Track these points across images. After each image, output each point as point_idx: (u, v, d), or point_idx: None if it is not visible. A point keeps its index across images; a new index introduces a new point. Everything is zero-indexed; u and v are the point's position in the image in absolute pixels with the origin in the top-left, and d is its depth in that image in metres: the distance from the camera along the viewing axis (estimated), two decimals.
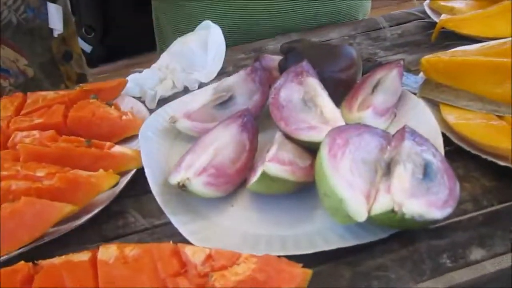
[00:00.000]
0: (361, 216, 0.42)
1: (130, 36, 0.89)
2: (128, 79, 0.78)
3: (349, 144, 0.48)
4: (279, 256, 0.41)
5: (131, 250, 0.43)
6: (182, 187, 0.50)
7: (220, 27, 0.83)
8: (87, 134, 0.64)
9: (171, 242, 0.43)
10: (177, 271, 0.40)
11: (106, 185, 0.53)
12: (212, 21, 0.85)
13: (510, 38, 0.68)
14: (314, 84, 0.59)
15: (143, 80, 0.79)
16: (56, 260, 0.43)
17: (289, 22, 1.00)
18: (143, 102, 0.76)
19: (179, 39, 0.80)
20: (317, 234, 0.47)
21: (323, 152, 0.46)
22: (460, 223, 0.48)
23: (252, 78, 0.64)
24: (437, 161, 0.48)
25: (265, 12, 0.98)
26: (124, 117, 0.64)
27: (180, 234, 0.48)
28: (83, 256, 0.43)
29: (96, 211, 0.53)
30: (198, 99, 0.64)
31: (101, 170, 0.54)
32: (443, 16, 0.86)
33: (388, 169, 0.47)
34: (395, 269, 0.44)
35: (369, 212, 0.43)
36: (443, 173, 0.47)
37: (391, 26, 0.97)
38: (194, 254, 0.42)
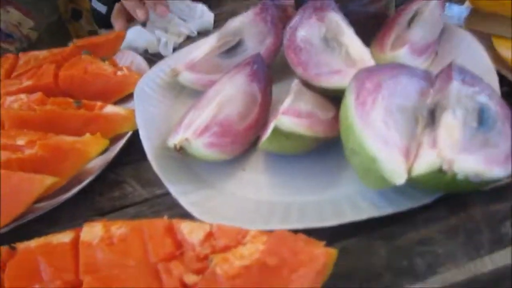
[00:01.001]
0: (400, 178, 0.33)
1: None
2: (129, 32, 0.70)
3: (381, 89, 0.38)
4: (296, 231, 0.32)
5: (118, 229, 0.35)
6: (180, 150, 0.42)
7: None
8: (81, 94, 0.57)
9: (165, 217, 0.35)
10: (171, 253, 0.33)
11: (94, 151, 0.45)
12: None
13: None
14: (337, 19, 0.49)
15: (146, 32, 0.71)
16: (33, 243, 0.36)
17: None
18: (149, 56, 0.68)
19: None
20: (344, 201, 0.39)
21: (349, 99, 0.36)
22: None
23: (262, 18, 0.54)
24: (495, 104, 0.38)
25: None
26: (119, 73, 0.56)
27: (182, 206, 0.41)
28: (64, 237, 0.36)
29: (86, 181, 0.46)
30: (202, 48, 0.55)
31: (87, 135, 0.46)
32: None
33: (432, 118, 0.37)
34: (444, 242, 0.35)
35: (409, 172, 0.34)
36: (503, 119, 0.37)
37: None
38: (191, 232, 0.34)
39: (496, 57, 0.49)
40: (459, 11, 0.57)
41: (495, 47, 0.50)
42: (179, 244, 0.34)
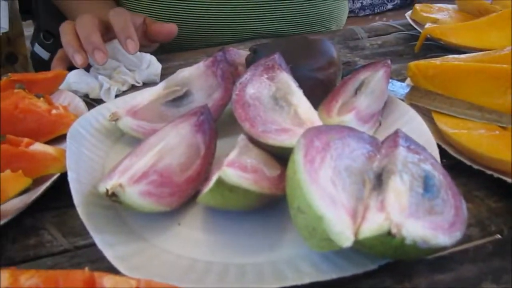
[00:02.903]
0: (347, 240, 0.32)
1: None
2: (70, 74, 0.67)
3: (330, 149, 0.37)
4: None
5: (29, 279, 0.31)
6: (113, 197, 0.38)
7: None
8: (9, 131, 0.51)
9: (86, 269, 0.31)
10: None
11: (12, 191, 0.40)
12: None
13: (509, 47, 0.60)
14: (287, 80, 0.49)
15: (89, 76, 0.68)
16: None
17: (259, 30, 0.91)
18: (89, 100, 0.64)
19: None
20: (286, 264, 0.36)
21: (298, 155, 0.35)
22: (466, 253, 0.38)
23: (213, 71, 0.53)
24: (438, 173, 0.38)
25: (234, 18, 0.89)
26: (54, 111, 0.52)
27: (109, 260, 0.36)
28: None
29: None
30: (147, 94, 0.53)
31: (7, 171, 0.41)
32: (428, 25, 0.79)
33: (379, 182, 0.36)
34: None
35: (356, 235, 0.32)
36: (446, 188, 0.37)
37: (369, 37, 0.89)
38: (115, 287, 0.30)
39: (436, 131, 0.50)
40: (401, 87, 0.60)
41: (435, 121, 0.51)
42: None
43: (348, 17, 1.13)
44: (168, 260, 0.38)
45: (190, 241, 0.40)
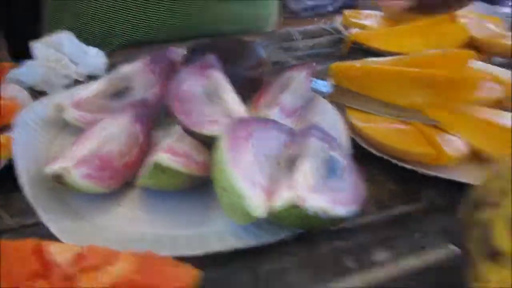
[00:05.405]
0: (261, 212, 0.38)
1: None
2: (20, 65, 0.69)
3: (251, 137, 0.44)
4: None
5: None
6: (58, 178, 0.43)
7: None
8: None
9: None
10: (35, 271, 0.33)
11: None
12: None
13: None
14: (219, 77, 0.55)
15: (36, 69, 0.70)
16: None
17: (188, 28, 0.96)
18: (35, 94, 0.67)
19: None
20: (212, 235, 0.42)
21: (223, 143, 0.41)
22: (364, 225, 0.45)
23: (151, 69, 0.58)
24: (343, 159, 0.45)
25: (161, 15, 0.93)
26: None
27: (55, 237, 0.41)
28: None
29: None
30: (91, 88, 0.57)
31: None
32: (354, 31, 0.87)
33: (293, 165, 0.43)
34: (296, 272, 0.40)
35: (269, 208, 0.39)
36: (348, 171, 0.44)
37: (303, 39, 0.97)
38: (61, 253, 0.34)
39: (351, 125, 0.58)
40: (323, 86, 0.67)
41: (348, 116, 0.59)
42: (46, 264, 0.34)
43: (289, 17, 1.20)
44: (108, 234, 0.43)
45: (129, 219, 0.45)
